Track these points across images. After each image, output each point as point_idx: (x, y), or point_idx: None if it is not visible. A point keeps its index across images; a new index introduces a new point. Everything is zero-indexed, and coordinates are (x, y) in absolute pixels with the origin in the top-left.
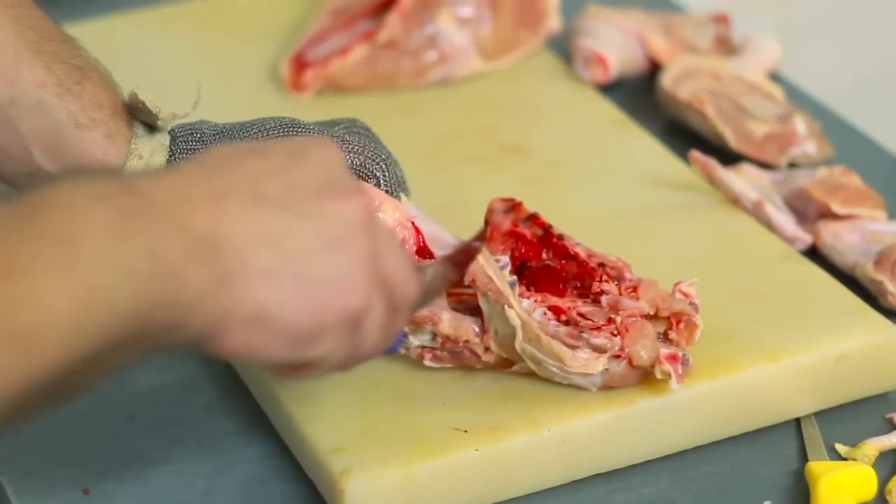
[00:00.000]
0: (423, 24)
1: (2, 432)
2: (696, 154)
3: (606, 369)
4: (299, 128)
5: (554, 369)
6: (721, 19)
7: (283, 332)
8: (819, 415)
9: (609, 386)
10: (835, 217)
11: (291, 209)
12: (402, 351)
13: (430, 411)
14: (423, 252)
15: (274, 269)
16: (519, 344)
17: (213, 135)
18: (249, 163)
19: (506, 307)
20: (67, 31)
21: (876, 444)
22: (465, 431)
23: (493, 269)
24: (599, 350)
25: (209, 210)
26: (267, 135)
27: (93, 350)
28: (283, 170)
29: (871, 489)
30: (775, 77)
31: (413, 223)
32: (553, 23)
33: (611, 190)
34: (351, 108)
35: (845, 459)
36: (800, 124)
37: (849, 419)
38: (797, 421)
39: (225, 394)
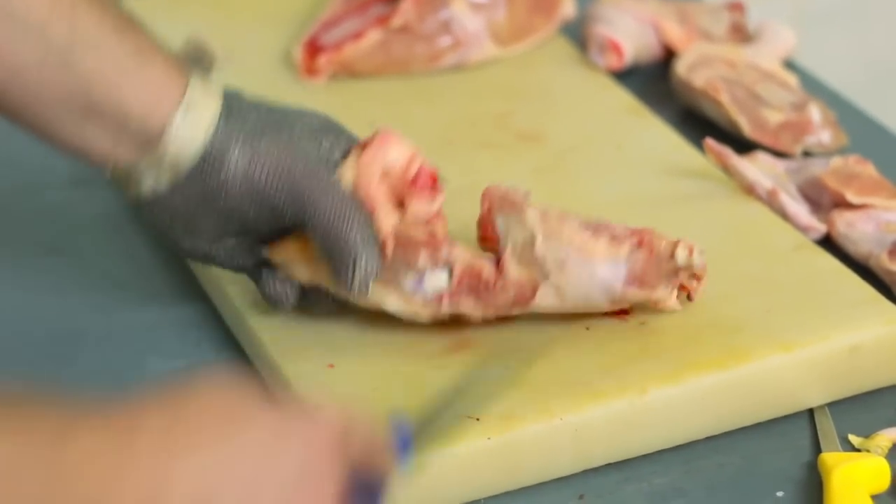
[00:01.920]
0: (436, 10)
1: None
2: (710, 142)
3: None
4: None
5: (578, 270)
6: (736, 7)
7: None
8: (832, 405)
9: (635, 281)
10: (849, 206)
11: None
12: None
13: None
14: (434, 185)
15: None
16: (540, 247)
17: (262, 112)
18: (214, 446)
19: (524, 211)
20: None
21: (889, 436)
22: (477, 420)
23: (506, 188)
24: (620, 238)
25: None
26: (299, 134)
27: None
28: (249, 465)
29: (885, 480)
30: (790, 65)
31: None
32: (567, 9)
33: (624, 177)
34: (364, 93)
35: (859, 451)
36: (815, 113)
37: (862, 410)
38: (810, 412)
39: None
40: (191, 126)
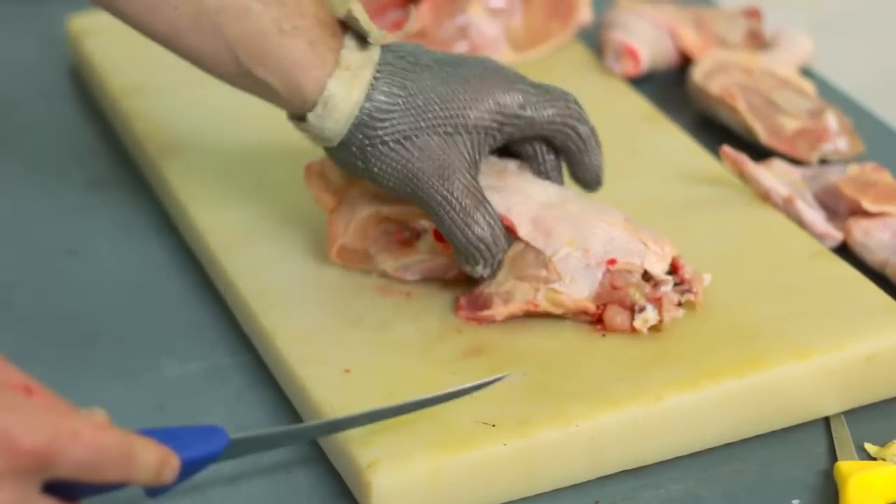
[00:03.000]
0: (453, 15)
1: None
2: (727, 149)
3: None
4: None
5: None
6: (753, 13)
7: None
8: (848, 414)
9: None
10: (865, 214)
11: None
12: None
13: (458, 405)
14: None
15: None
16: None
17: (426, 61)
18: None
19: None
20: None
21: None
22: (493, 426)
23: None
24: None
25: None
26: (469, 73)
27: None
28: None
29: None
30: (807, 72)
31: None
32: (584, 15)
33: (640, 184)
34: None
35: (874, 459)
36: (831, 120)
37: (878, 418)
38: (826, 420)
39: (253, 383)
40: (339, 97)
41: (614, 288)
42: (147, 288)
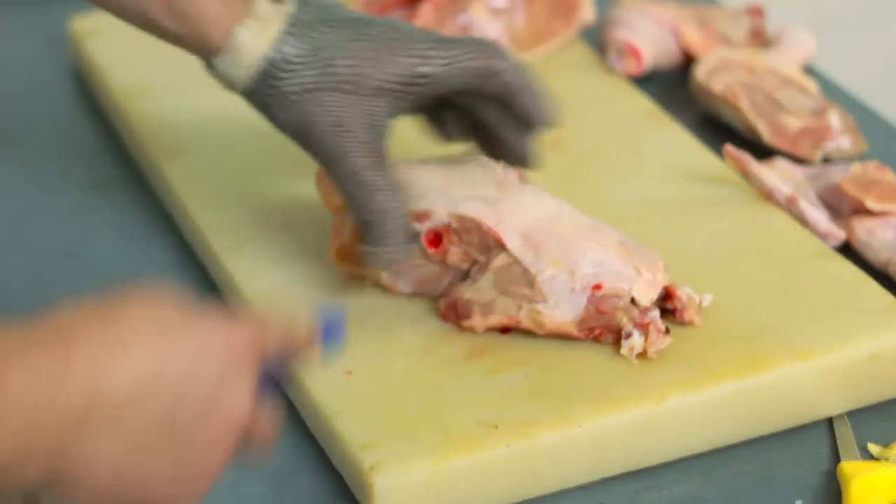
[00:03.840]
0: (456, 15)
1: None
2: (729, 148)
3: None
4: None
5: None
6: (756, 11)
7: None
8: (851, 414)
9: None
10: (869, 213)
11: (157, 428)
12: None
13: (461, 406)
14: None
15: (113, 490)
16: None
17: (340, 18)
18: (144, 355)
19: None
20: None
21: None
22: (496, 427)
23: None
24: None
25: (69, 414)
26: (376, 33)
27: None
28: (175, 372)
29: None
30: (809, 70)
31: None
32: (587, 14)
33: (643, 183)
34: None
35: (878, 459)
36: (834, 119)
37: (882, 419)
38: (829, 420)
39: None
40: (246, 45)
41: (601, 313)
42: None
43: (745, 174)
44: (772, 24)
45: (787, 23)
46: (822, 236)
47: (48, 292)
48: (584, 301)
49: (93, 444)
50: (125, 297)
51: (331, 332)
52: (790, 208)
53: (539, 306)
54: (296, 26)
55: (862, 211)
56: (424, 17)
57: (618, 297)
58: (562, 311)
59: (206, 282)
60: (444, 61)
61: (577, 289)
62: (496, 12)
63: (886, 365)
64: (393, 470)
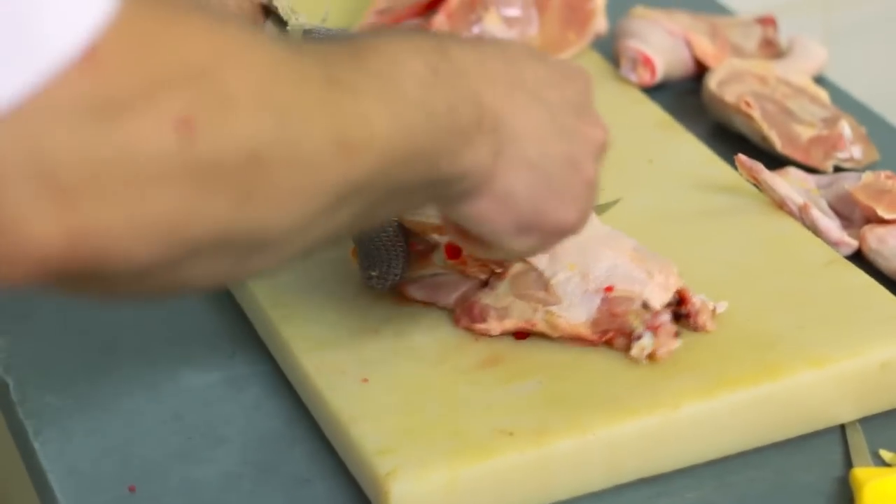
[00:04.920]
0: (470, 24)
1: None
2: (742, 157)
3: None
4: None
5: None
6: (767, 21)
7: (514, 215)
8: (864, 421)
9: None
10: (880, 221)
11: (559, 120)
12: None
13: (475, 414)
14: None
15: (534, 164)
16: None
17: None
18: (536, 67)
19: None
20: None
21: None
22: (511, 434)
23: None
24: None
25: (502, 94)
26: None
27: (392, 176)
28: (559, 84)
29: None
30: (821, 80)
31: None
32: (600, 24)
33: (656, 192)
34: None
35: (890, 466)
36: (846, 128)
37: (894, 425)
38: (842, 427)
39: (270, 393)
40: None
41: (613, 315)
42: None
43: (758, 183)
44: (784, 34)
45: (798, 33)
46: (834, 245)
47: (66, 302)
48: (597, 303)
49: (521, 113)
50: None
51: None
52: (802, 217)
53: (553, 308)
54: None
55: (873, 219)
56: (439, 26)
57: (630, 299)
58: (575, 313)
59: (223, 293)
60: None
61: (590, 290)
62: (510, 22)
63: None
64: (408, 477)
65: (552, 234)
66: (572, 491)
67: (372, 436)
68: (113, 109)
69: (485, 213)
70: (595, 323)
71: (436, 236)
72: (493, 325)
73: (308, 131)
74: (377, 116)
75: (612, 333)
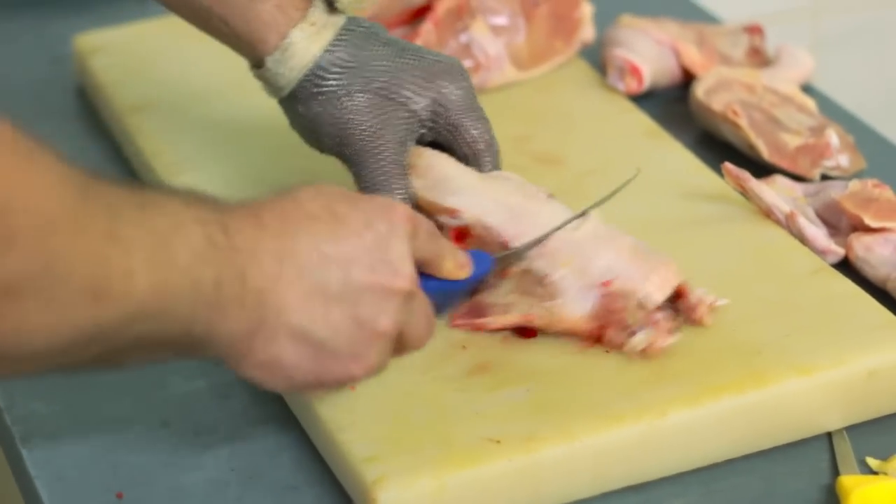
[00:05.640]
0: (457, 33)
1: (37, 371)
2: (729, 166)
3: None
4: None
5: None
6: (755, 30)
7: (287, 378)
8: (850, 429)
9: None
10: (867, 230)
11: (337, 284)
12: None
13: (463, 421)
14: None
15: (301, 333)
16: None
17: (384, 38)
18: (322, 226)
19: None
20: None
21: None
22: (498, 442)
23: None
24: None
25: (269, 270)
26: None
27: (143, 329)
28: (348, 242)
29: None
30: (808, 89)
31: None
32: (587, 33)
33: (643, 201)
34: None
35: (876, 473)
36: (833, 137)
37: (880, 433)
38: (828, 435)
39: (258, 400)
40: (299, 46)
41: (611, 311)
42: None
43: (745, 192)
44: (771, 43)
45: (786, 41)
46: (821, 253)
47: None
48: (594, 298)
49: (287, 287)
50: (294, 191)
51: (480, 264)
52: (789, 225)
53: (551, 304)
54: (346, 38)
55: (860, 228)
56: (426, 35)
57: (628, 295)
58: (573, 308)
59: None
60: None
61: (587, 286)
62: (497, 30)
63: (885, 380)
64: (396, 484)
65: (342, 383)
66: (560, 498)
67: (359, 443)
68: None
69: (256, 376)
70: (593, 317)
71: (445, 217)
72: (495, 320)
73: (67, 279)
74: (141, 275)
75: (608, 329)
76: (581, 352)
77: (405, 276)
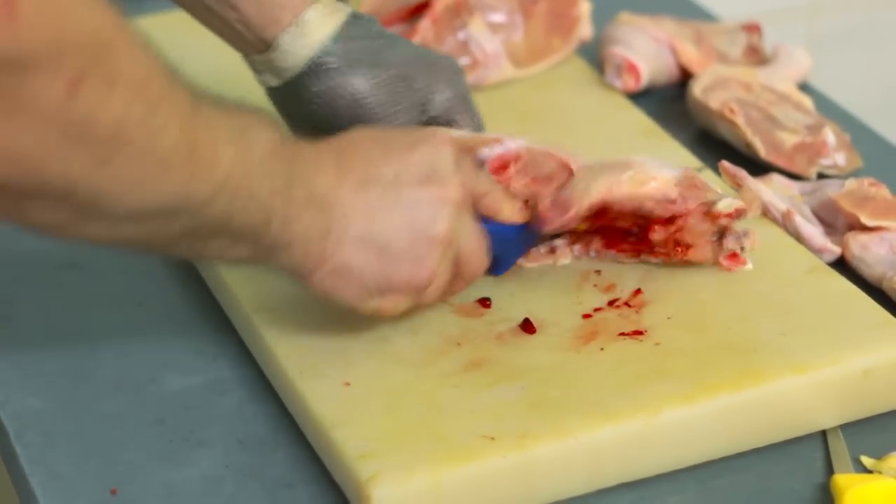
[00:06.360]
0: (455, 30)
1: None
2: (725, 164)
3: None
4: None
5: None
6: (752, 28)
7: (358, 285)
8: (845, 427)
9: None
10: (863, 228)
11: (393, 193)
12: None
13: (458, 418)
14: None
15: (364, 238)
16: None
17: (386, 34)
18: (372, 149)
19: None
20: None
21: None
22: (493, 439)
23: None
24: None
25: (331, 179)
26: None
27: (226, 211)
28: (398, 158)
29: None
30: (805, 87)
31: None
32: (584, 30)
33: None
34: None
35: (871, 472)
36: (829, 135)
37: (875, 432)
38: (823, 433)
39: (253, 397)
40: (314, 23)
41: (695, 186)
42: (148, 303)
43: (741, 190)
44: (768, 41)
45: (783, 40)
46: (817, 251)
47: (48, 304)
48: (677, 172)
49: (348, 196)
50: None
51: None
52: (785, 224)
53: (638, 167)
54: (355, 24)
55: (856, 226)
56: (423, 32)
57: (705, 188)
58: (660, 170)
59: (204, 294)
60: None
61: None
62: (495, 28)
63: (880, 379)
64: (390, 481)
65: (408, 292)
66: (554, 495)
67: (354, 440)
68: (21, 66)
69: (329, 286)
70: (679, 183)
71: (486, 150)
72: (580, 205)
73: (168, 130)
74: (224, 150)
75: (687, 245)
76: (576, 349)
77: (454, 185)
